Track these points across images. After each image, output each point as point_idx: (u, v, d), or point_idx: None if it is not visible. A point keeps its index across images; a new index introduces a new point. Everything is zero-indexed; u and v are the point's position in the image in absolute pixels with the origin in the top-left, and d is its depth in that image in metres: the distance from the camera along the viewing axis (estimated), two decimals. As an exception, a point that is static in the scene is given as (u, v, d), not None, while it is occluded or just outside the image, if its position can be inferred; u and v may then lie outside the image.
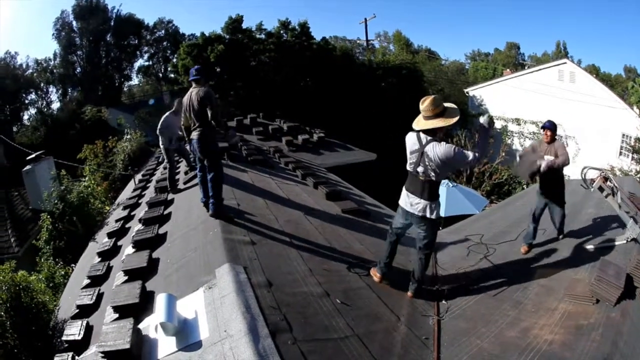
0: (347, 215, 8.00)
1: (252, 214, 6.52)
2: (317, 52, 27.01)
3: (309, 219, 7.11)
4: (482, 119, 4.78)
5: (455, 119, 4.52)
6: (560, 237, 6.85)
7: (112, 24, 41.65)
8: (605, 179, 6.30)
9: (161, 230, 6.82)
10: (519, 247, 6.79)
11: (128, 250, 6.56)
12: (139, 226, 7.32)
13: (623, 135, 22.64)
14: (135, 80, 48.57)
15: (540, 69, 26.66)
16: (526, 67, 35.58)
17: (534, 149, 6.62)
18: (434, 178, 4.64)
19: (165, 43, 46.09)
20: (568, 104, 23.77)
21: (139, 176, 13.60)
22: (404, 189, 4.98)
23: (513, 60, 60.96)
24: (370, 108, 25.89)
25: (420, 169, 4.66)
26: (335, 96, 25.93)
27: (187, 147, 7.45)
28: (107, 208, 13.42)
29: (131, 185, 13.18)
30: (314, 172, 11.45)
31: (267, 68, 26.13)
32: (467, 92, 30.16)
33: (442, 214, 11.27)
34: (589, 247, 6.33)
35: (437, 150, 4.48)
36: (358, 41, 40.00)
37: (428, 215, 4.74)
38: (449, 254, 6.99)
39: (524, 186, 22.90)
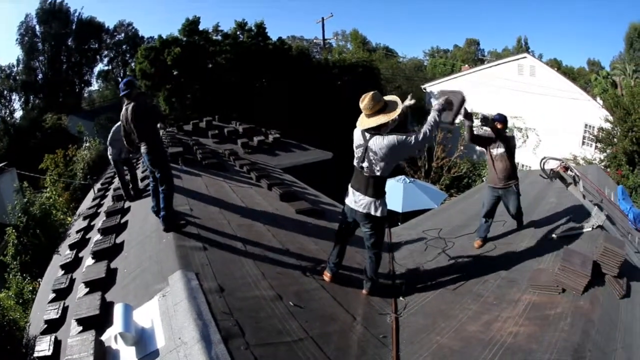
0: (302, 216, 7.93)
1: (204, 219, 6.38)
2: (273, 52, 27.06)
3: (262, 221, 6.97)
4: (435, 102, 4.70)
5: (397, 112, 4.40)
6: (520, 228, 6.84)
7: (73, 27, 41.27)
8: (566, 168, 6.35)
9: (119, 240, 6.64)
10: None
11: (88, 261, 6.37)
12: (98, 236, 7.14)
13: (586, 125, 23.41)
14: (95, 86, 48.14)
15: (499, 64, 27.35)
16: (486, 63, 36.26)
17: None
18: (378, 173, 4.51)
19: (124, 46, 45.88)
20: (528, 97, 24.37)
21: (98, 185, 13.21)
22: (349, 186, 4.86)
23: (472, 56, 62.26)
24: (326, 107, 26.06)
25: (365, 164, 4.55)
26: (291, 96, 26.04)
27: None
28: (69, 219, 13.02)
29: (91, 195, 12.79)
30: (268, 174, 11.39)
31: (224, 70, 25.98)
32: (425, 88, 30.45)
33: (400, 209, 11.32)
34: (552, 236, 6.31)
35: (379, 142, 4.38)
36: (315, 40, 39.97)
37: (373, 212, 4.60)
38: (407, 250, 6.92)
39: (484, 179, 23.36)
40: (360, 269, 5.43)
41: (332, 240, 5.19)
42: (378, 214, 4.61)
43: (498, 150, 6.29)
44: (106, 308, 4.56)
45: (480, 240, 6.59)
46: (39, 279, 9.38)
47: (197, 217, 6.39)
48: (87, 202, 12.66)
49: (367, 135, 4.50)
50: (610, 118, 20.11)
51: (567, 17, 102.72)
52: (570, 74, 36.08)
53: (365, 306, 4.85)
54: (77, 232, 8.94)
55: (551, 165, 6.53)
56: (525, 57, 26.22)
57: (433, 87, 30.03)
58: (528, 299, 4.62)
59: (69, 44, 41.62)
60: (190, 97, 25.68)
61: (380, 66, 34.91)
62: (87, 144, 19.04)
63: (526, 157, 25.00)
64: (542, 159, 6.69)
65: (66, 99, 40.18)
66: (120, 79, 43.67)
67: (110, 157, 8.80)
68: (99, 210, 9.94)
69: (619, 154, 18.85)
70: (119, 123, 7.94)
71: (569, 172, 6.36)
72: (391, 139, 4.35)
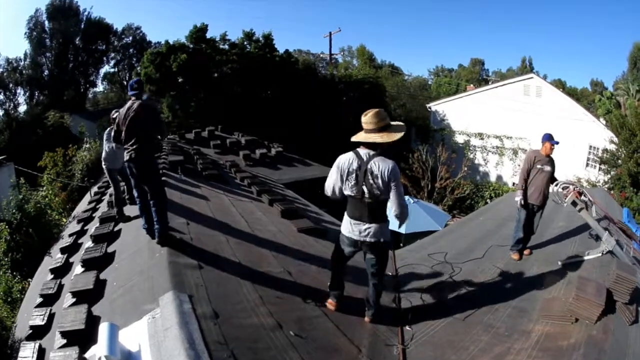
0: (303, 235, 7.61)
1: (201, 234, 6.07)
2: (280, 64, 26.84)
3: (262, 239, 6.66)
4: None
5: (399, 135, 4.10)
6: (526, 248, 7.01)
7: (82, 26, 41.38)
8: (580, 193, 6.38)
9: (110, 249, 6.34)
10: (486, 266, 6.65)
11: (78, 269, 6.12)
12: (90, 243, 6.89)
13: (590, 147, 23.29)
14: (100, 87, 48.17)
15: (505, 84, 27.11)
16: (490, 83, 36.22)
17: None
18: (382, 197, 4.16)
19: (131, 50, 45.94)
20: (534, 118, 24.21)
21: (95, 188, 12.83)
22: (346, 216, 4.45)
23: (477, 76, 62.34)
24: (330, 122, 25.82)
25: (365, 189, 4.15)
26: (296, 109, 25.83)
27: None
28: (64, 220, 12.76)
29: (88, 198, 12.48)
30: (270, 189, 11.16)
31: (229, 79, 25.80)
32: (430, 107, 30.27)
33: (403, 230, 11.05)
34: (561, 262, 6.26)
35: (383, 165, 4.04)
36: (321, 55, 39.85)
37: (382, 239, 4.27)
38: (412, 274, 6.61)
39: (488, 200, 23.15)
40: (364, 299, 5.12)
41: None
42: (387, 239, 4.32)
43: (545, 168, 6.53)
44: (92, 322, 4.31)
45: (517, 253, 6.84)
46: (29, 279, 9.18)
47: (193, 231, 6.08)
48: (83, 204, 12.33)
49: (365, 156, 4.16)
50: (615, 139, 19.96)
51: (571, 38, 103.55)
52: (574, 95, 36.11)
53: (371, 336, 4.53)
54: (70, 235, 8.65)
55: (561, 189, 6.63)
56: (532, 78, 26.04)
57: (438, 106, 29.85)
58: (540, 330, 4.44)
59: (77, 42, 41.68)
60: (194, 105, 25.44)
61: (386, 83, 34.71)
62: (87, 145, 18.78)
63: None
64: (556, 183, 6.70)
65: (71, 98, 40.22)
66: (125, 82, 43.88)
67: (104, 166, 8.13)
68: (93, 215, 9.67)
69: (623, 175, 18.67)
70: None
71: (582, 197, 6.38)
72: (397, 168, 4.12)
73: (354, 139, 4.27)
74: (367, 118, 4.15)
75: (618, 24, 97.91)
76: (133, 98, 5.56)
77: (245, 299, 4.46)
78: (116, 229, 7.25)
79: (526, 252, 6.99)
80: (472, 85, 42.28)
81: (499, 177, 26.97)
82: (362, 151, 4.21)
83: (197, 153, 14.21)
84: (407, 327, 4.82)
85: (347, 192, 4.31)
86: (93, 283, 5.18)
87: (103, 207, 9.72)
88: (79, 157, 17.67)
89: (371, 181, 4.09)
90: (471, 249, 7.65)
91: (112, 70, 46.48)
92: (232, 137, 18.53)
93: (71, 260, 7.18)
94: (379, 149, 4.16)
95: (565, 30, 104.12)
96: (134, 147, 5.42)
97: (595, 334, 4.17)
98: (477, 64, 67.18)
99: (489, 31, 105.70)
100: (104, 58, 45.11)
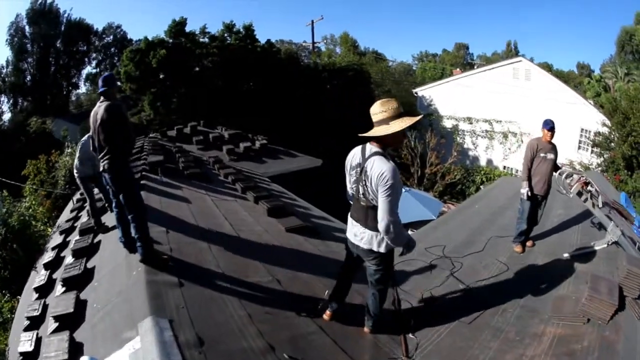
0: (292, 235, 7.13)
1: (182, 243, 5.56)
2: (262, 55, 26.50)
3: (248, 244, 6.19)
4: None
5: (397, 126, 3.50)
6: (529, 239, 6.86)
7: (62, 29, 40.69)
8: (586, 183, 6.24)
9: (90, 264, 5.86)
10: (488, 260, 6.40)
11: (59, 288, 5.62)
12: (70, 258, 6.41)
13: (582, 129, 23.20)
14: (82, 89, 47.29)
15: (494, 67, 26.95)
16: (475, 67, 36.09)
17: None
18: (375, 203, 3.62)
19: (113, 49, 45.21)
20: (523, 101, 24.15)
21: (77, 195, 12.19)
22: (349, 215, 4.05)
23: (462, 61, 62.68)
24: (315, 112, 25.58)
25: (361, 190, 3.71)
26: (279, 100, 25.53)
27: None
28: (49, 230, 12.11)
29: (70, 205, 11.80)
30: (255, 184, 10.63)
31: (210, 73, 25.43)
32: (416, 92, 29.98)
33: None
34: (567, 255, 6.08)
35: (377, 167, 3.50)
36: (304, 44, 39.33)
37: (375, 248, 3.78)
38: (409, 272, 6.18)
39: (480, 185, 22.97)
40: (363, 304, 4.67)
41: (329, 264, 4.63)
42: (382, 249, 3.79)
43: (549, 155, 6.34)
44: (75, 350, 3.97)
45: (520, 245, 6.64)
46: (18, 296, 8.60)
47: (173, 241, 5.58)
48: (66, 213, 11.66)
49: (367, 152, 3.68)
50: (608, 122, 19.96)
51: (557, 21, 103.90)
52: (561, 77, 36.10)
53: (372, 349, 4.14)
54: (53, 248, 8.09)
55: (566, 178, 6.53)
56: (520, 61, 25.88)
57: (425, 91, 29.57)
58: (552, 332, 4.19)
59: (58, 45, 40.95)
60: (176, 101, 24.99)
61: (370, 70, 34.36)
62: (69, 150, 18.17)
63: (521, 163, 24.62)
64: (560, 172, 6.55)
65: (54, 102, 39.47)
66: (107, 82, 43.57)
67: (76, 174, 7.62)
68: (75, 224, 9.13)
69: (617, 158, 18.72)
70: (88, 135, 6.71)
71: (589, 187, 6.26)
72: (389, 171, 3.48)
73: (360, 135, 3.78)
74: (373, 108, 3.63)
75: (604, 7, 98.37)
76: (102, 98, 5.02)
77: (231, 318, 4.01)
78: (96, 240, 6.79)
79: (529, 243, 6.79)
80: (458, 69, 42.18)
81: (490, 161, 26.83)
82: (368, 146, 3.72)
83: (179, 151, 13.69)
84: (411, 335, 4.42)
85: (348, 189, 3.94)
86: (73, 305, 4.75)
87: (85, 216, 9.11)
88: (61, 163, 17.14)
89: (365, 182, 3.64)
90: (470, 241, 7.38)
91: (95, 70, 45.53)
92: (215, 132, 18.04)
93: (54, 276, 6.64)
94: (386, 145, 3.68)
95: (550, 14, 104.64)
96: (107, 156, 4.87)
97: (607, 334, 4.00)
98: (462, 48, 67.40)
99: (473, 15, 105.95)
100: (86, 59, 44.35)
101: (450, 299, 5.25)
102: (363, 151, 3.72)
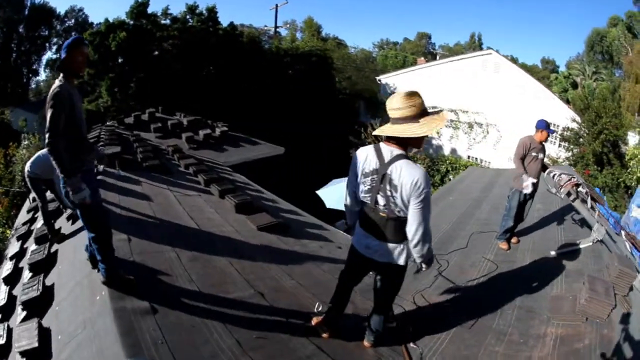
0: (265, 234, 6.54)
1: (147, 252, 4.80)
2: (223, 38, 25.87)
3: (219, 249, 5.48)
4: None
5: (437, 125, 2.91)
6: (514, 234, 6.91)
7: (26, 13, 38.73)
8: (577, 184, 6.48)
9: (48, 280, 4.91)
10: (475, 258, 6.18)
11: (19, 312, 4.55)
12: (27, 273, 5.44)
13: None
14: (42, 76, 44.67)
15: (463, 58, 27.31)
16: (438, 57, 36.30)
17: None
18: (401, 214, 3.09)
19: (73, 33, 42.78)
20: (491, 93, 24.63)
21: (33, 194, 10.89)
22: (358, 225, 3.45)
23: (423, 49, 62.83)
24: (277, 97, 25.23)
25: (380, 201, 3.11)
26: (240, 85, 24.98)
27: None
28: (9, 233, 11.04)
29: (27, 205, 10.11)
30: (218, 176, 9.96)
31: (170, 57, 24.60)
32: (380, 80, 29.86)
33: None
34: (554, 252, 6.16)
35: (407, 175, 2.92)
36: (265, 28, 38.54)
37: (396, 262, 3.27)
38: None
39: (448, 176, 22.97)
40: (356, 314, 4.27)
41: (306, 265, 4.46)
42: (401, 262, 3.28)
43: (539, 155, 6.39)
44: None
45: (506, 242, 6.61)
46: None
47: (137, 249, 4.81)
48: (23, 214, 9.97)
49: (387, 156, 3.04)
50: (578, 118, 20.69)
51: (521, 15, 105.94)
52: (526, 71, 37.06)
53: (375, 364, 3.66)
54: (11, 258, 6.79)
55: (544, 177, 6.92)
56: (490, 54, 26.39)
57: (389, 79, 29.55)
58: (553, 332, 4.21)
59: (21, 31, 38.94)
60: (134, 86, 23.97)
61: (332, 56, 33.92)
62: (26, 142, 17.02)
63: (486, 153, 24.83)
64: (549, 172, 6.79)
65: (14, 91, 37.39)
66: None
67: (27, 173, 6.43)
68: (32, 228, 7.82)
69: (587, 154, 19.29)
70: None
71: (579, 188, 6.49)
72: (423, 177, 2.93)
73: (377, 132, 3.18)
74: (394, 102, 2.97)
75: (569, 3, 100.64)
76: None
77: (219, 348, 3.35)
78: (52, 249, 5.82)
79: (514, 240, 6.83)
80: (422, 58, 42.43)
81: (454, 150, 27.07)
82: (385, 148, 3.06)
83: (137, 140, 12.76)
84: (412, 345, 4.02)
85: (360, 196, 3.29)
86: (37, 338, 3.86)
87: (41, 218, 8.08)
88: (18, 157, 15.94)
89: (388, 192, 3.03)
90: (452, 237, 7.24)
91: (55, 56, 43.40)
92: (173, 119, 17.21)
93: (14, 292, 5.48)
94: (409, 147, 3.08)
95: (514, 9, 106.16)
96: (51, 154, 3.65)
97: (606, 332, 4.09)
98: (424, 37, 67.89)
99: (435, 4, 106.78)
100: (47, 44, 42.23)
101: (444, 301, 4.93)
102: (379, 154, 3.08)
